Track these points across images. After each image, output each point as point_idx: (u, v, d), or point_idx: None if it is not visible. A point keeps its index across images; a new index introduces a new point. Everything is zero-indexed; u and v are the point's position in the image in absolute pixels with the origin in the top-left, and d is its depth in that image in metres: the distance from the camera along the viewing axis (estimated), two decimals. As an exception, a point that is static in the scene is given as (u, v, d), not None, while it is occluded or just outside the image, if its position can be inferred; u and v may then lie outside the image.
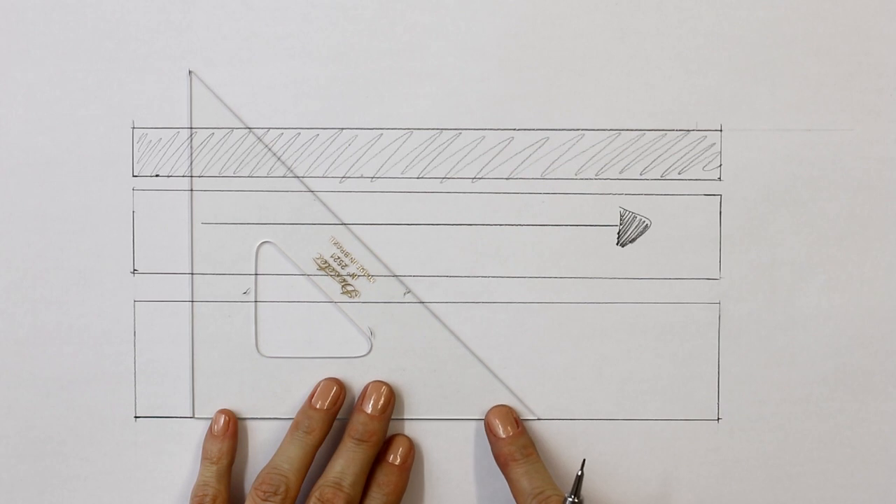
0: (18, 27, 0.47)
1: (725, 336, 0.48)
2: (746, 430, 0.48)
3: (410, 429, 0.48)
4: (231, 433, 0.47)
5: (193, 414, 0.48)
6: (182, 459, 0.48)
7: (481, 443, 0.48)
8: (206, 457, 0.47)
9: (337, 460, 0.46)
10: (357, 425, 0.46)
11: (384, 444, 0.47)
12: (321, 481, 0.45)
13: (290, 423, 0.47)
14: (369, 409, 0.46)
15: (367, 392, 0.47)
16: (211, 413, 0.48)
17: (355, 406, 0.47)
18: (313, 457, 0.46)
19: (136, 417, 0.48)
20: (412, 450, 0.47)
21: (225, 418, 0.47)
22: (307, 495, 0.45)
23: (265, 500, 0.44)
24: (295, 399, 0.48)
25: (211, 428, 0.47)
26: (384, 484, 0.46)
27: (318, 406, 0.47)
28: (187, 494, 0.48)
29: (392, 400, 0.47)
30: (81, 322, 0.48)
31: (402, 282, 0.48)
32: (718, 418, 0.48)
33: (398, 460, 0.47)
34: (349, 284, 0.48)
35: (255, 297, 0.48)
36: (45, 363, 0.48)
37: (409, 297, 0.48)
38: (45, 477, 0.48)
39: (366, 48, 0.47)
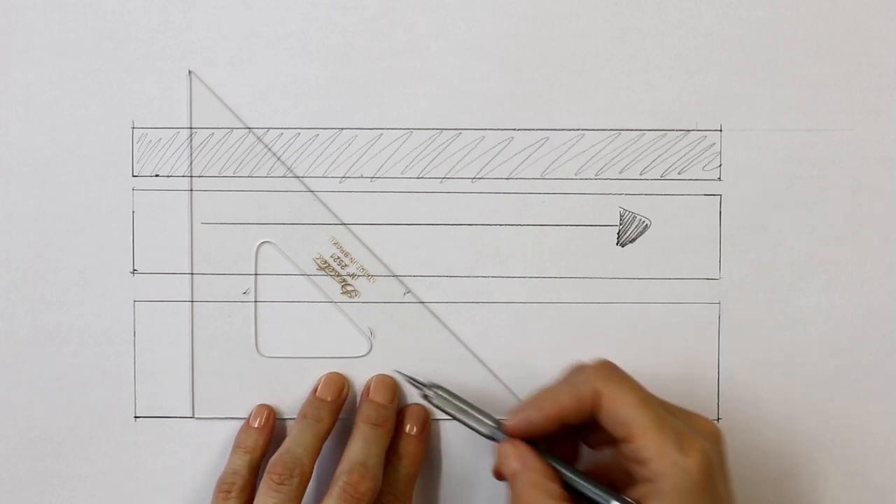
0: (18, 27, 0.47)
1: (725, 336, 0.48)
2: (746, 430, 0.48)
3: (410, 429, 0.48)
4: (269, 428, 0.47)
5: (193, 414, 0.48)
6: (182, 459, 0.48)
7: (482, 443, 0.48)
8: (239, 445, 0.46)
9: (355, 444, 0.44)
10: (370, 411, 0.46)
11: (398, 415, 0.47)
12: (343, 466, 0.43)
13: (290, 423, 0.47)
14: (379, 399, 0.46)
15: (374, 384, 0.47)
16: (211, 413, 0.48)
17: (362, 397, 0.47)
18: (322, 445, 0.45)
19: (136, 417, 0.48)
20: (428, 419, 0.47)
21: (266, 412, 0.47)
22: (326, 486, 0.44)
23: (280, 484, 0.43)
24: (295, 399, 0.48)
25: (248, 420, 0.47)
26: (404, 455, 0.46)
27: (324, 398, 0.46)
28: (187, 494, 0.48)
29: (397, 391, 0.47)
30: (81, 322, 0.48)
31: (402, 282, 0.48)
32: (718, 418, 0.48)
33: (415, 430, 0.46)
34: (349, 284, 0.48)
35: (255, 297, 0.48)
36: (45, 363, 0.48)
37: (409, 297, 0.48)
38: (45, 477, 0.48)
39: (366, 48, 0.47)
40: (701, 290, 0.48)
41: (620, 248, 0.48)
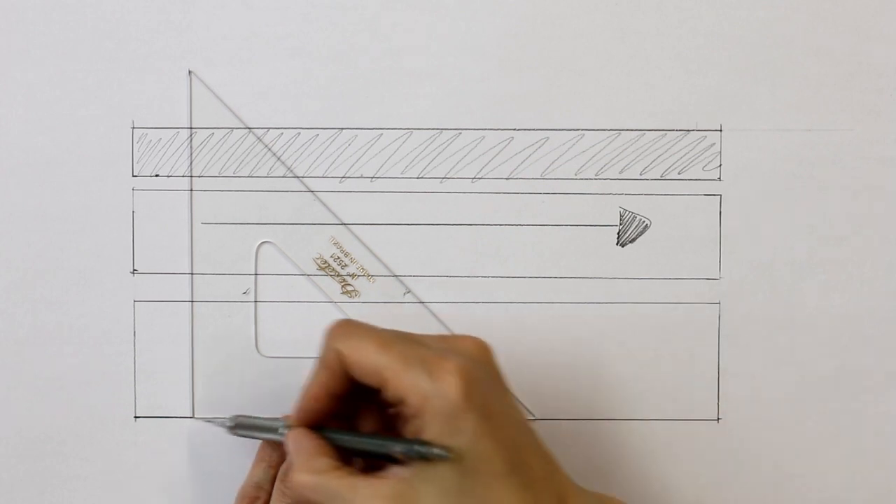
0: (18, 27, 0.47)
1: (725, 336, 0.48)
2: (746, 430, 0.48)
3: (410, 429, 0.48)
4: None
5: (193, 414, 0.48)
6: (182, 459, 0.48)
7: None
8: (263, 459, 0.45)
9: None
10: None
11: None
12: None
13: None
14: None
15: None
16: (211, 413, 0.48)
17: None
18: None
19: (135, 417, 0.48)
20: None
21: None
22: None
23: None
24: (295, 399, 0.47)
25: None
26: None
27: None
28: (188, 494, 0.48)
29: None
30: (81, 322, 0.48)
31: (402, 282, 0.48)
32: (718, 418, 0.48)
33: None
34: (349, 284, 0.48)
35: (255, 297, 0.48)
36: (45, 363, 0.48)
37: (409, 297, 0.48)
38: (45, 477, 0.48)
39: (366, 48, 0.47)
40: (701, 290, 0.48)
41: (620, 248, 0.48)
